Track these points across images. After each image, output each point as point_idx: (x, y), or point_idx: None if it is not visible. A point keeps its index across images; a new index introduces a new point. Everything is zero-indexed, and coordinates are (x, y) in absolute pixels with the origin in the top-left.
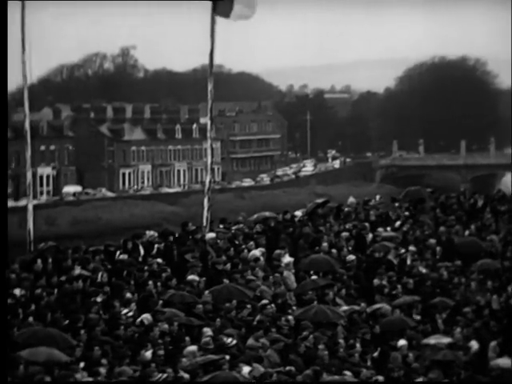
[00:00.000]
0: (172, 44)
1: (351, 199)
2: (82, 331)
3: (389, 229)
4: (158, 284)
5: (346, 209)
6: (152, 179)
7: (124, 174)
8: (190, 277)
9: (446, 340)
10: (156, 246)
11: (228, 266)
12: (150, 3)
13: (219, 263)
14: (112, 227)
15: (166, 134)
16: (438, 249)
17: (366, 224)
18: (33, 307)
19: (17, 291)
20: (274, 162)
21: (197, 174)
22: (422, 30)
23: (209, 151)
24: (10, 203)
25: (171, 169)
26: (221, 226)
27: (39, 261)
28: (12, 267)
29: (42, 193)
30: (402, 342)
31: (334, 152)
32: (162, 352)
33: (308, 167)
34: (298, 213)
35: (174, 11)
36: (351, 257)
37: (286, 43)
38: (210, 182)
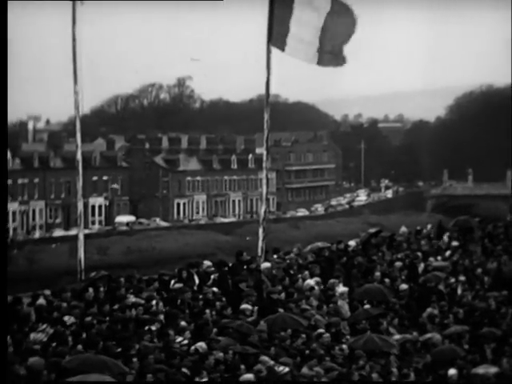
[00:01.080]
0: (229, 74)
1: (403, 229)
2: (135, 359)
3: (439, 258)
4: (213, 313)
5: (399, 238)
6: (207, 209)
7: (179, 204)
8: (245, 306)
9: (494, 370)
10: (211, 275)
11: (283, 295)
12: (207, 34)
13: (274, 292)
14: (166, 257)
15: (222, 165)
16: (486, 278)
17: (418, 253)
18: (83, 335)
19: (66, 318)
20: (328, 192)
21: (252, 204)
22: (468, 59)
23: (264, 181)
24: (61, 232)
25: (226, 199)
26: (275, 256)
27: (91, 289)
28: (63, 295)
29: (93, 223)
30: (452, 372)
31: (386, 181)
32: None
33: (361, 197)
34: (352, 242)
35: (231, 42)
36: (403, 286)
37: (340, 72)
38: (265, 211)
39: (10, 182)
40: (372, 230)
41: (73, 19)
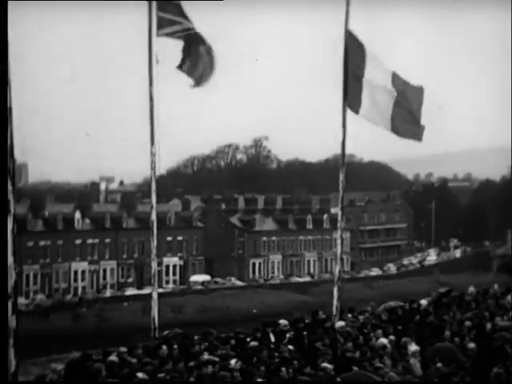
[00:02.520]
0: (305, 134)
1: (471, 288)
2: None
3: (505, 318)
4: (290, 370)
5: (467, 298)
6: (282, 269)
7: (254, 264)
8: (325, 364)
9: None
10: (286, 333)
11: (357, 353)
12: (282, 95)
13: (349, 351)
14: (241, 315)
15: (297, 225)
16: None
17: (486, 313)
18: None
19: (140, 375)
20: (400, 251)
21: (326, 264)
22: None
23: (339, 241)
24: (133, 291)
25: (301, 259)
26: (350, 315)
27: (164, 347)
28: (135, 352)
29: (168, 282)
30: None
31: (455, 241)
32: None
33: (432, 256)
34: (424, 302)
35: (306, 104)
36: (471, 345)
37: None
38: (339, 271)
39: (79, 241)
40: (442, 290)
41: (149, 79)
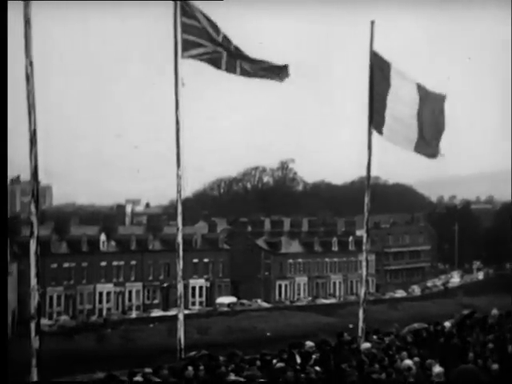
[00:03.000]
0: (331, 157)
1: (494, 311)
2: None
3: None
4: None
5: (490, 320)
6: (308, 290)
7: (280, 286)
8: None
9: None
10: (312, 355)
11: (383, 375)
12: (308, 117)
13: (374, 372)
14: (267, 337)
15: (323, 247)
16: None
17: (509, 335)
18: None
19: None
20: (424, 274)
21: (352, 286)
22: None
23: (364, 263)
24: (159, 313)
25: (327, 281)
26: (375, 337)
27: (190, 368)
28: (160, 373)
29: (194, 304)
30: None
31: (478, 263)
32: None
33: (455, 278)
34: (447, 324)
35: (331, 125)
36: (494, 366)
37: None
38: (364, 293)
39: (104, 263)
40: (466, 312)
41: (176, 101)
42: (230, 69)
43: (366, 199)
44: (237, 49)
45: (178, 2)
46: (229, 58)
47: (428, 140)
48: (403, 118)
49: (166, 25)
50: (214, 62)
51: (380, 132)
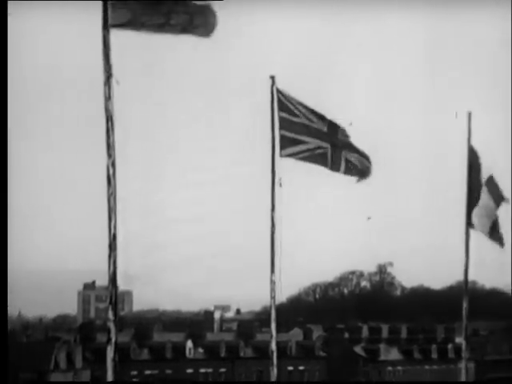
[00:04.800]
0: (429, 259)
1: None
2: None
3: None
4: None
5: None
6: None
7: None
8: None
9: None
10: None
11: None
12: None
13: None
14: None
15: (422, 354)
16: None
17: None
18: None
19: None
20: None
21: None
22: None
23: (463, 371)
24: None
25: None
26: None
27: None
28: None
29: None
30: None
31: None
32: None
33: None
34: None
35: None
36: None
37: None
38: None
39: (190, 370)
40: None
41: (272, 203)
42: (335, 167)
43: (465, 304)
44: (344, 134)
45: (275, 95)
46: (334, 152)
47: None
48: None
49: (263, 121)
50: (318, 160)
51: (473, 227)
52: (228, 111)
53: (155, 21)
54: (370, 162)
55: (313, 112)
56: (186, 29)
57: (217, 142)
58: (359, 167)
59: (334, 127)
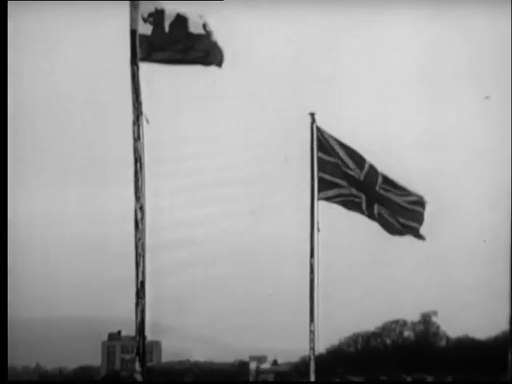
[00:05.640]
0: (474, 309)
1: None
2: None
3: None
4: None
5: None
6: None
7: None
8: None
9: None
10: None
11: None
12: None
13: None
14: None
15: None
16: None
17: None
18: None
19: None
20: None
21: None
22: None
23: None
24: None
25: None
26: None
27: None
28: None
29: None
30: None
31: None
32: None
33: None
34: None
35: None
36: None
37: None
38: None
39: None
40: None
41: (311, 250)
42: (372, 215)
43: (509, 356)
44: (385, 179)
45: (315, 134)
46: (368, 204)
47: None
48: None
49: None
50: (354, 207)
51: None
52: (264, 145)
53: (173, 57)
54: (412, 219)
55: (351, 155)
56: (201, 62)
57: (251, 186)
58: (395, 225)
59: (372, 174)
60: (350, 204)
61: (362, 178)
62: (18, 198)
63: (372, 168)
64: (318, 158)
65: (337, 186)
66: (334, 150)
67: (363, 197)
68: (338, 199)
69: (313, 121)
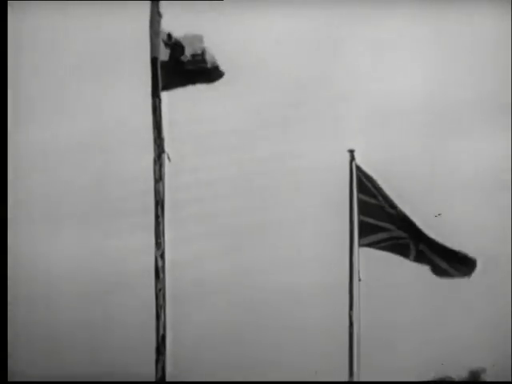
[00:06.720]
0: None
1: None
2: None
3: None
4: None
5: None
6: None
7: None
8: None
9: None
10: None
11: None
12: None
13: None
14: None
15: None
16: None
17: None
18: None
19: None
20: None
21: None
22: None
23: None
24: None
25: None
26: None
27: None
28: None
29: None
30: None
31: None
32: None
33: None
34: None
35: None
36: None
37: None
38: None
39: None
40: None
41: (349, 302)
42: (419, 259)
43: None
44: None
45: (354, 173)
46: (413, 244)
47: None
48: None
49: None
50: (400, 251)
51: None
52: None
53: (179, 85)
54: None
55: (387, 198)
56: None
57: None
58: (442, 266)
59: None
60: (396, 248)
61: (401, 216)
62: (20, 241)
63: (405, 216)
64: (359, 199)
65: (381, 229)
66: (375, 188)
67: (408, 237)
68: (384, 244)
69: (352, 158)
